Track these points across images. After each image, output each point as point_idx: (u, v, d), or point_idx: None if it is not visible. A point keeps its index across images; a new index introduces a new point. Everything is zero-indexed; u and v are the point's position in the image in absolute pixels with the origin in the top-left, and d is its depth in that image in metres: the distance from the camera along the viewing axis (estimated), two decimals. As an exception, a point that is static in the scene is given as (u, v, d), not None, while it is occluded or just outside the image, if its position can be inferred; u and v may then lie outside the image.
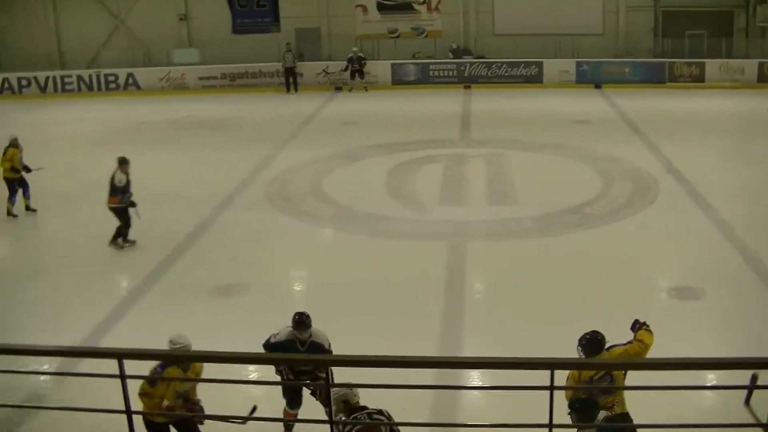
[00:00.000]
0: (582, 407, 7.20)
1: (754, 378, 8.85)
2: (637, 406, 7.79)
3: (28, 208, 18.45)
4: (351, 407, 7.28)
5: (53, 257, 16.18)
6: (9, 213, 18.16)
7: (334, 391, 7.15)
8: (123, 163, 15.50)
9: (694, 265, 14.36)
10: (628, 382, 7.97)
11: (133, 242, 15.86)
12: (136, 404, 5.59)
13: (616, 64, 34.20)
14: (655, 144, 22.79)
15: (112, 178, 15.42)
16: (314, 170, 21.15)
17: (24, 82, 36.37)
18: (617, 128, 25.81)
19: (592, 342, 7.95)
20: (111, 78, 36.35)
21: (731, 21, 36.02)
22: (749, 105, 28.90)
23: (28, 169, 18.32)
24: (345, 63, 34.42)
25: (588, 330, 7.94)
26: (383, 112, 29.77)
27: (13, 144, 18.17)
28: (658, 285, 13.87)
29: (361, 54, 34.32)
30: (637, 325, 8.51)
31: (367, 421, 7.11)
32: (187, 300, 13.32)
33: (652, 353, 7.88)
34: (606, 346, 8.10)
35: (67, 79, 36.54)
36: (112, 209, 15.57)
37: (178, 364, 8.13)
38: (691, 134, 24.28)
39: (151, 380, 7.80)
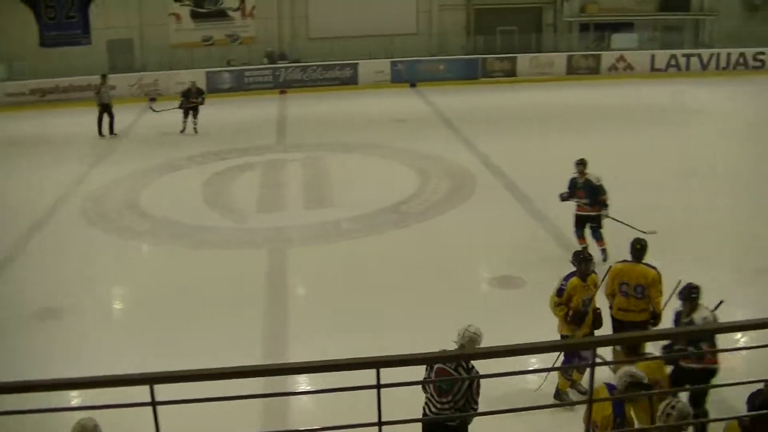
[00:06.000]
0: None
1: None
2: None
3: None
4: None
5: None
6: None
7: None
8: None
9: (511, 255, 14.48)
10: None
11: None
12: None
13: (430, 62, 34.75)
14: (471, 140, 23.08)
15: None
16: (131, 184, 20.31)
17: None
18: (433, 126, 26.10)
19: None
20: None
21: (540, 17, 37.55)
22: (559, 96, 30.01)
23: None
24: (180, 98, 26.60)
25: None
26: (199, 122, 29.11)
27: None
28: (480, 276, 14.01)
29: (200, 87, 27.75)
30: None
31: None
32: (6, 326, 12.42)
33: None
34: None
35: None
36: None
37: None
38: (505, 128, 24.82)
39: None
